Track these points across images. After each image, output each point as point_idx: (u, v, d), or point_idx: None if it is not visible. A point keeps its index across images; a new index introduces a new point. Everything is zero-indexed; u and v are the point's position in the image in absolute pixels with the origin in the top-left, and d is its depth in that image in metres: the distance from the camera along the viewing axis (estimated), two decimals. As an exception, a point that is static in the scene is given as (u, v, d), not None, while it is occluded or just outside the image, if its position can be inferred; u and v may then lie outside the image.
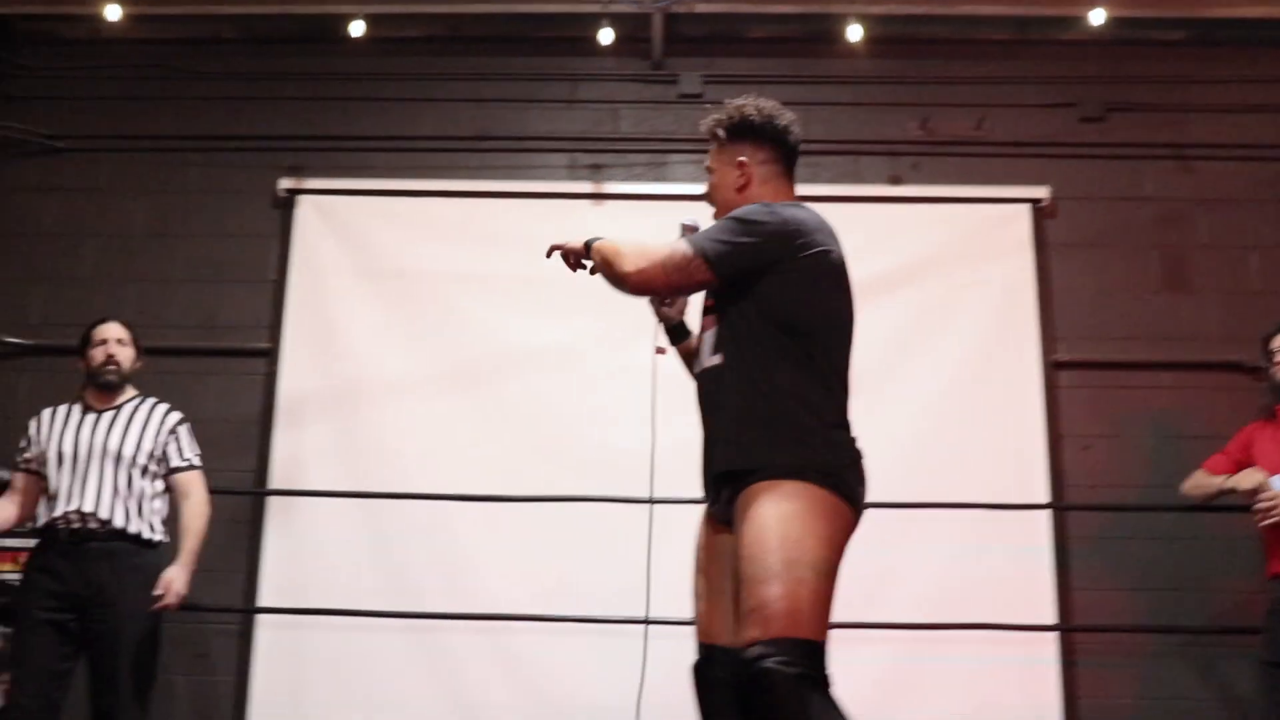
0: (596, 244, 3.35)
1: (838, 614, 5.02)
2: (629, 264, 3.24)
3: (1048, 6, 6.65)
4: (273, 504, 6.18)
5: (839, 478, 3.01)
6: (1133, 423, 6.21)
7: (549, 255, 3.56)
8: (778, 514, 2.92)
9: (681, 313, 3.63)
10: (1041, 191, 6.51)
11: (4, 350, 6.46)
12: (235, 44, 6.99)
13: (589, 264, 3.44)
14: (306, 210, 6.64)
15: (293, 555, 6.12)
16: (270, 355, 6.42)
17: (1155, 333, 6.25)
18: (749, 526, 2.96)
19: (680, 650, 5.59)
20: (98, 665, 4.79)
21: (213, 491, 5.21)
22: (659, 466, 5.99)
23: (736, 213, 3.22)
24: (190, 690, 6.02)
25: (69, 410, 5.03)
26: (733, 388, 3.17)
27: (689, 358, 3.54)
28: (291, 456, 6.25)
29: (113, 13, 6.59)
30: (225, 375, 6.43)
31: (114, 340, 5.07)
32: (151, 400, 5.13)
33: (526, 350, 6.39)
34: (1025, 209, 6.53)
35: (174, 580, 4.81)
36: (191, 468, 5.11)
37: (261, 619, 6.03)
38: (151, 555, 4.94)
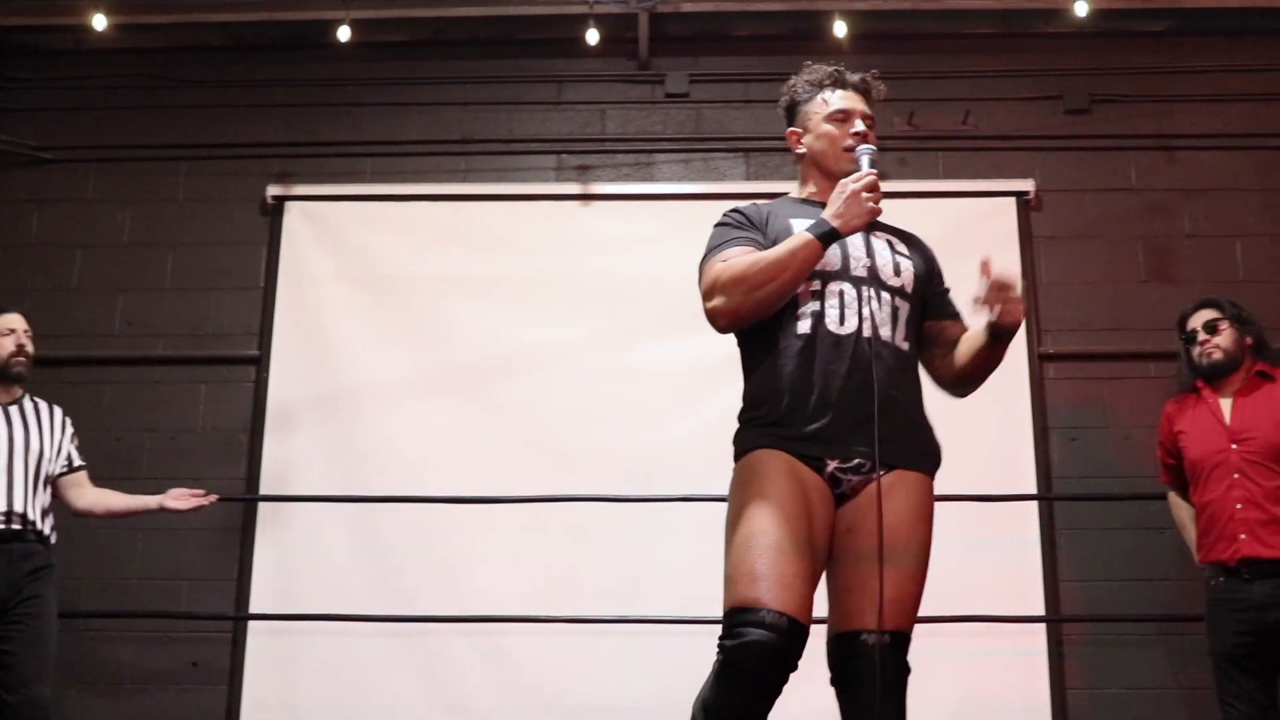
0: None
1: (823, 606, 5.09)
2: None
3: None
4: (263, 510, 6.24)
5: None
6: (1120, 413, 6.26)
7: None
8: (931, 516, 3.11)
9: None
10: (1027, 184, 6.58)
11: (-7, 361, 6.48)
12: (221, 51, 7.07)
13: None
14: (294, 216, 6.71)
15: (284, 562, 6.16)
16: (260, 362, 6.48)
17: (1142, 323, 6.26)
18: (921, 522, 3.07)
19: (674, 646, 5.71)
20: (13, 664, 4.72)
21: (204, 499, 5.26)
22: (649, 466, 6.11)
23: None
24: (182, 699, 6.06)
25: None
26: (916, 381, 3.23)
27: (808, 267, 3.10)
28: (282, 462, 6.30)
29: (99, 23, 6.66)
30: (215, 383, 6.49)
31: (22, 331, 5.06)
32: (39, 399, 5.15)
33: (515, 352, 6.44)
34: (1011, 202, 6.60)
35: (172, 495, 5.04)
36: (85, 467, 5.19)
37: (253, 626, 6.08)
38: (50, 554, 4.97)
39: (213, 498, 5.10)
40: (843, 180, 3.08)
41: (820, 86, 3.37)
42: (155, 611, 5.79)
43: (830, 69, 3.40)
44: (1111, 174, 6.66)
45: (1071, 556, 6.10)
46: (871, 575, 2.92)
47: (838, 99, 3.32)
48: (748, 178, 6.70)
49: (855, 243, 3.18)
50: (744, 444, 3.14)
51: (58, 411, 5.16)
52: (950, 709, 5.79)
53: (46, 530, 4.92)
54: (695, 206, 6.55)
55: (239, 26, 6.98)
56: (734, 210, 3.33)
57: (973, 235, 6.47)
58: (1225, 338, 4.88)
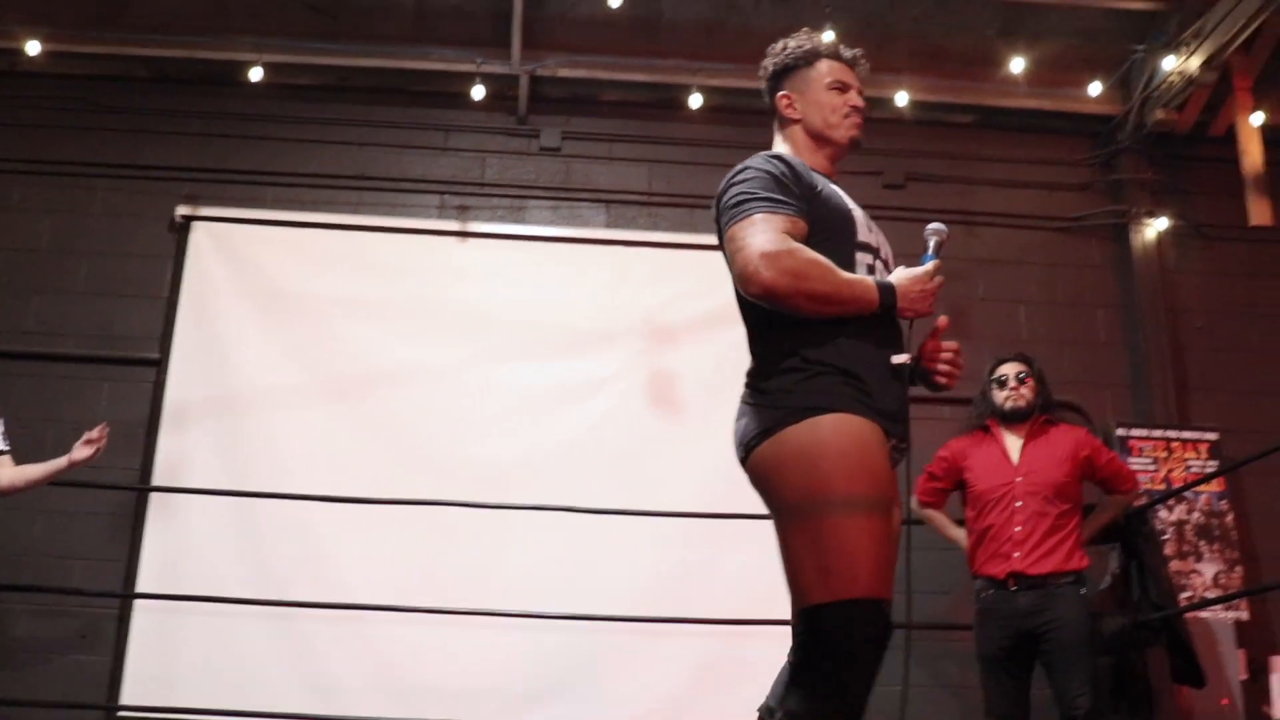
0: None
1: (677, 609, 5.11)
2: None
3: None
4: (155, 500, 6.06)
5: None
6: (918, 449, 6.07)
7: None
8: None
9: None
10: (850, 247, 6.53)
11: (-86, 351, 6.27)
12: (144, 82, 6.91)
13: None
14: (200, 235, 6.56)
15: (171, 547, 5.98)
16: (160, 364, 6.32)
17: (937, 373, 6.24)
18: None
19: (520, 638, 5.62)
20: None
21: (99, 486, 5.01)
22: (507, 475, 6.01)
23: None
24: (69, 667, 5.87)
25: None
26: None
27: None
28: (174, 457, 6.14)
29: (33, 48, 6.54)
30: (117, 381, 6.31)
31: None
32: None
33: (392, 368, 6.35)
34: (834, 262, 6.56)
35: (76, 450, 4.68)
36: (8, 452, 4.89)
37: (139, 604, 5.90)
38: None
39: (105, 429, 4.75)
40: (925, 268, 2.74)
41: (818, 55, 2.98)
42: (49, 587, 5.56)
43: (827, 39, 3.04)
44: (921, 244, 6.65)
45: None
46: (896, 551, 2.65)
47: (838, 70, 2.97)
48: (608, 225, 6.74)
49: (876, 232, 2.89)
50: (835, 400, 2.59)
51: None
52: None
53: None
54: (560, 248, 6.63)
55: (161, 61, 6.84)
56: (782, 160, 2.77)
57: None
58: (1029, 389, 5.05)
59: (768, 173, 2.73)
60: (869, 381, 2.64)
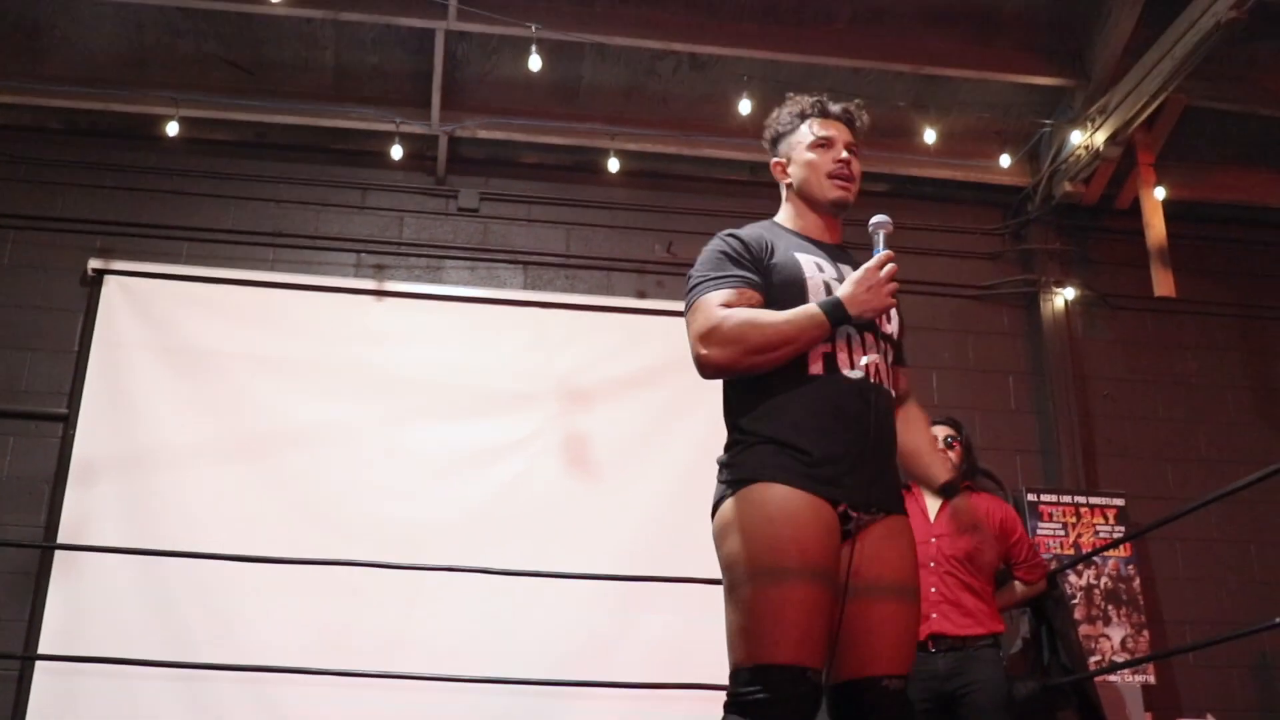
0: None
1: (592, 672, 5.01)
2: None
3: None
4: (59, 558, 5.91)
5: None
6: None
7: None
8: None
9: None
10: (764, 311, 6.60)
11: None
12: (58, 133, 6.82)
13: None
14: (113, 289, 6.46)
15: (76, 608, 5.83)
16: (68, 419, 6.18)
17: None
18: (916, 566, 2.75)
19: (432, 700, 5.54)
20: None
21: (1, 544, 4.88)
22: (422, 535, 5.95)
23: None
24: (-38, 732, 5.64)
25: None
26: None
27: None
28: (81, 514, 5.99)
29: None
30: (23, 436, 6.17)
31: None
32: None
33: (305, 427, 6.28)
34: (752, 325, 6.62)
35: None
36: None
37: (40, 666, 5.72)
38: None
39: None
40: (867, 265, 2.70)
41: (804, 116, 3.01)
42: (-56, 648, 5.38)
43: (813, 98, 3.05)
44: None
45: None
46: (885, 619, 2.63)
47: (821, 127, 2.97)
48: (525, 287, 6.72)
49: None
50: (760, 471, 2.63)
51: None
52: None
53: None
54: (477, 309, 6.62)
55: (76, 113, 6.75)
56: (733, 236, 2.85)
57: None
58: (955, 455, 5.01)
59: (720, 251, 2.81)
60: (804, 446, 2.63)
